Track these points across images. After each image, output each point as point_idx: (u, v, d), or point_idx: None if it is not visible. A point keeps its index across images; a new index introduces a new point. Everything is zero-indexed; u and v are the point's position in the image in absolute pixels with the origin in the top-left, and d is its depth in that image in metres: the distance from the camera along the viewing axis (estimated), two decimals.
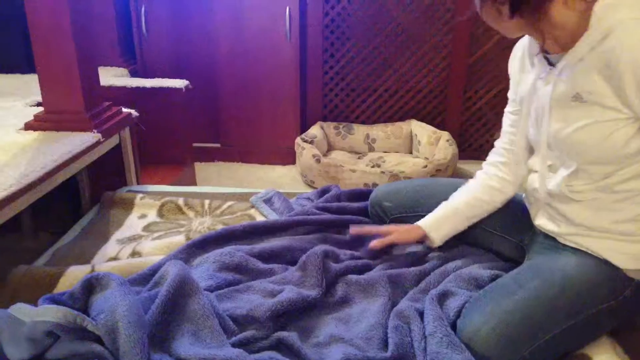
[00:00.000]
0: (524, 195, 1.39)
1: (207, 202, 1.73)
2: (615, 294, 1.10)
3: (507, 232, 1.36)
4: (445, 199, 1.41)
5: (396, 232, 1.37)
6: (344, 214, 1.58)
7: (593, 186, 1.09)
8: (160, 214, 1.69)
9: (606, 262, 1.12)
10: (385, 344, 1.08)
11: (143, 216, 1.68)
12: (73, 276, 1.25)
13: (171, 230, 1.58)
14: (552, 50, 1.08)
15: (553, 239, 1.22)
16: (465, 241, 1.42)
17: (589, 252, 1.14)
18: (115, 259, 1.43)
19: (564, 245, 1.19)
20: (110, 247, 1.49)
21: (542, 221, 1.25)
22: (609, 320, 1.12)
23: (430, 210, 1.40)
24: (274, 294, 1.18)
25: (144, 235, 1.56)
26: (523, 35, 1.17)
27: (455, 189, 1.44)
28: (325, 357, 1.03)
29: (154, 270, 1.25)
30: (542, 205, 1.23)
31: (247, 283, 1.25)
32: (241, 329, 1.09)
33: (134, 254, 1.44)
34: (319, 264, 1.24)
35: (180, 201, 1.73)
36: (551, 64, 1.11)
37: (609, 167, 1.06)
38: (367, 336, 1.09)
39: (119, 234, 1.57)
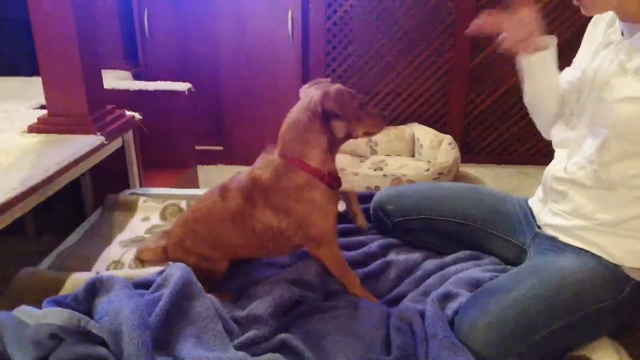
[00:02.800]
0: (529, 199, 1.39)
1: None
2: (614, 295, 1.10)
3: (509, 233, 1.36)
4: (448, 202, 1.41)
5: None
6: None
7: (614, 170, 1.09)
8: (163, 216, 1.69)
9: (606, 262, 1.13)
10: (387, 346, 1.08)
11: (146, 219, 1.68)
12: (78, 281, 1.25)
13: None
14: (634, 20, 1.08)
15: (555, 239, 1.22)
16: (467, 243, 1.42)
17: (591, 250, 1.14)
18: (118, 262, 1.44)
19: (566, 245, 1.19)
20: (114, 250, 1.49)
21: (547, 218, 1.25)
22: (607, 320, 1.12)
23: (432, 214, 1.40)
24: (274, 291, 1.18)
25: (146, 238, 1.56)
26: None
27: (457, 193, 1.44)
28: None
29: (158, 273, 1.25)
30: (553, 197, 1.23)
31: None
32: (243, 330, 1.09)
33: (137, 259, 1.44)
34: (316, 268, 1.25)
35: (183, 204, 1.73)
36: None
37: (632, 147, 1.07)
38: (370, 338, 1.09)
39: (121, 237, 1.57)
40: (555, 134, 1.28)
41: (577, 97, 1.20)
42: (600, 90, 1.11)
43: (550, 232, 1.25)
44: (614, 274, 1.12)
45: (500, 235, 1.38)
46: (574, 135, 1.19)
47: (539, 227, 1.30)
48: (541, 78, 1.25)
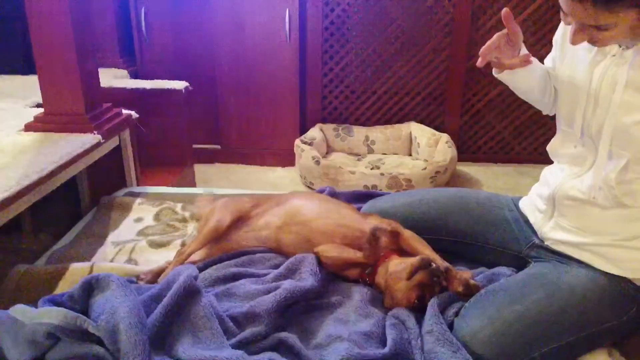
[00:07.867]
0: (520, 201, 1.36)
1: None
2: (620, 315, 1.08)
3: (500, 243, 1.32)
4: (434, 219, 1.37)
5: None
6: None
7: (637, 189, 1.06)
8: (156, 217, 1.67)
9: (615, 279, 1.10)
10: (384, 341, 1.08)
11: (139, 220, 1.66)
12: (74, 275, 1.25)
13: (166, 233, 1.58)
14: None
15: (561, 254, 1.19)
16: (463, 257, 1.38)
17: (605, 269, 1.11)
18: (111, 261, 1.42)
19: (572, 258, 1.16)
20: (107, 251, 1.49)
21: (554, 233, 1.21)
22: (609, 337, 1.11)
23: (420, 232, 1.31)
24: (270, 290, 1.17)
25: (137, 239, 1.54)
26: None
27: (442, 207, 1.38)
28: (325, 357, 1.03)
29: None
30: (563, 212, 1.18)
31: (241, 280, 1.25)
32: (241, 328, 1.09)
33: (130, 260, 1.44)
34: (312, 258, 1.26)
35: (178, 207, 1.72)
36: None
37: None
38: (367, 333, 1.09)
39: (114, 237, 1.56)
40: (561, 150, 1.21)
41: (583, 113, 1.12)
42: (617, 115, 1.04)
43: (558, 247, 1.20)
44: (622, 292, 1.09)
45: (491, 246, 1.33)
46: (591, 158, 1.12)
47: (540, 239, 1.25)
48: (516, 87, 1.26)
